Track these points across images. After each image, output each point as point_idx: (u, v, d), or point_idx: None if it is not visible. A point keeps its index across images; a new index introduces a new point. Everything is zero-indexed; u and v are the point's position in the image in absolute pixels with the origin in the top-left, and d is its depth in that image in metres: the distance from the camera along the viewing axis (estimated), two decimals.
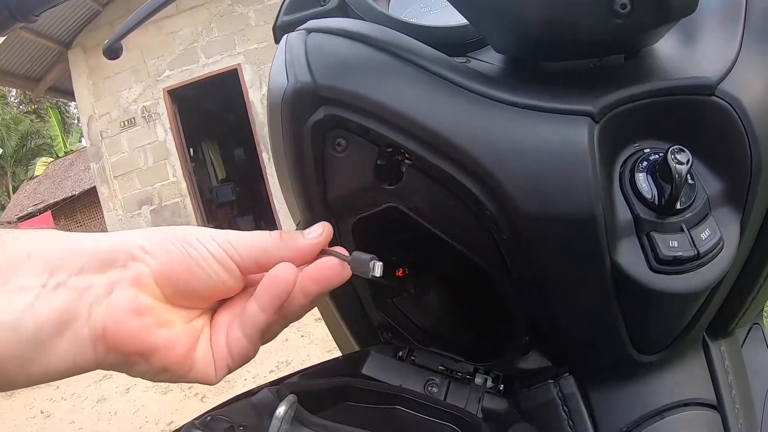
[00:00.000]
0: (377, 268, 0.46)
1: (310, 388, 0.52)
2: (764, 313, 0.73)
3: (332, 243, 0.51)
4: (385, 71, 0.48)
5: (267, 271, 0.44)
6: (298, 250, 0.46)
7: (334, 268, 0.46)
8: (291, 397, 0.41)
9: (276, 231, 0.46)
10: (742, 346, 0.66)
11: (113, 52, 0.76)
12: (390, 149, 0.50)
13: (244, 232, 0.45)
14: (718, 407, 0.57)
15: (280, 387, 0.50)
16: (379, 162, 0.51)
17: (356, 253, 0.47)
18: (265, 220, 11.55)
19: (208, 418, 0.44)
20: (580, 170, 0.44)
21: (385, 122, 0.47)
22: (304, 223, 0.55)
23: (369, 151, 0.51)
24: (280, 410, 0.39)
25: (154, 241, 0.42)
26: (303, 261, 0.46)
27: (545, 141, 0.44)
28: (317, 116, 0.49)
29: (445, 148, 0.46)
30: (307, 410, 0.44)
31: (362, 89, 0.47)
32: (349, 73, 0.48)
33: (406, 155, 0.50)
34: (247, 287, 0.48)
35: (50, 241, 0.40)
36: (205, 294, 0.45)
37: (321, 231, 0.47)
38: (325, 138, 0.50)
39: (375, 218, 0.54)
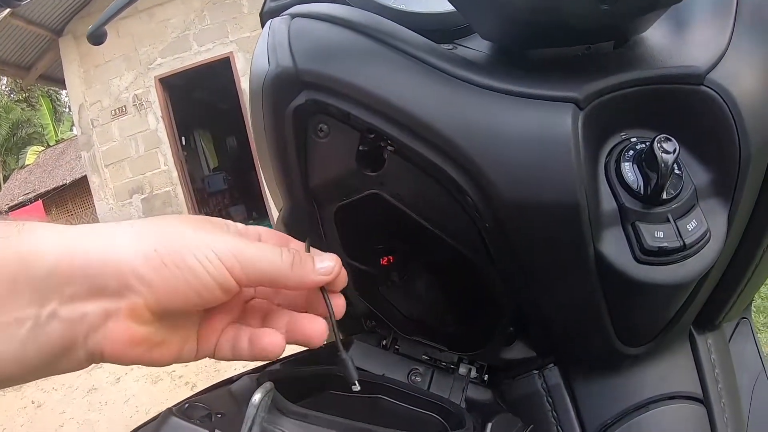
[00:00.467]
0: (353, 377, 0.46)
1: (291, 376, 0.52)
2: (752, 308, 0.73)
3: (313, 230, 0.50)
4: (368, 56, 0.48)
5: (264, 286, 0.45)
6: (304, 284, 0.44)
7: (319, 333, 0.46)
8: (267, 385, 0.40)
9: (288, 251, 0.43)
10: (729, 340, 0.66)
11: (97, 37, 0.75)
12: (372, 135, 0.49)
13: (255, 246, 0.42)
14: (704, 401, 0.56)
15: (260, 375, 0.49)
16: (361, 148, 0.51)
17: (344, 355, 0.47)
18: (257, 209, 11.55)
19: (186, 405, 0.43)
20: (562, 157, 0.43)
21: (366, 107, 0.47)
22: (287, 210, 0.55)
23: (351, 137, 0.50)
24: (256, 397, 0.39)
25: (150, 265, 0.39)
26: (304, 289, 0.47)
27: (528, 127, 0.44)
28: (298, 101, 0.48)
29: (426, 133, 0.46)
30: (288, 398, 0.43)
31: (343, 74, 0.47)
32: (331, 57, 0.48)
33: (389, 141, 0.49)
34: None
35: (33, 259, 0.37)
36: (196, 310, 0.44)
37: (332, 267, 0.46)
38: (307, 123, 0.50)
39: (357, 205, 0.53)
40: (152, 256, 0.39)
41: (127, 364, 0.41)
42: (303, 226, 0.56)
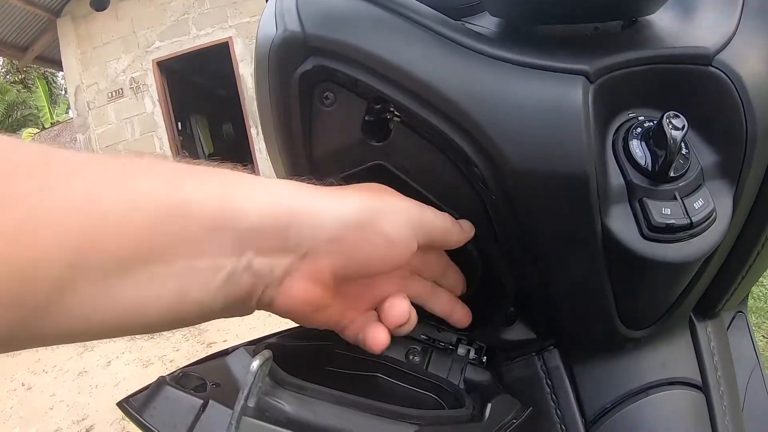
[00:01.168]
0: None
1: (288, 350, 0.51)
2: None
3: None
4: (378, 23, 0.47)
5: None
6: (464, 241, 0.49)
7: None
8: (266, 353, 0.39)
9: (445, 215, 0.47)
10: (726, 332, 0.65)
11: (101, 3, 0.75)
12: (379, 105, 0.49)
13: (431, 211, 0.46)
14: (702, 388, 0.56)
15: (257, 346, 0.48)
16: (367, 118, 0.50)
17: None
18: None
19: (180, 374, 0.42)
20: (572, 127, 0.43)
21: (375, 73, 0.46)
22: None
23: (357, 106, 0.50)
24: (254, 364, 0.38)
25: (349, 230, 0.40)
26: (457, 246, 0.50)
27: (539, 97, 0.44)
28: (305, 67, 0.48)
29: (435, 101, 0.45)
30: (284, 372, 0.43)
31: (353, 39, 0.46)
32: (341, 23, 0.47)
33: (395, 112, 0.49)
34: None
35: (240, 212, 0.37)
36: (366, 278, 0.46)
37: (471, 228, 0.50)
38: (313, 91, 0.49)
39: (361, 177, 0.53)
40: (352, 222, 0.40)
41: (287, 318, 0.43)
42: None
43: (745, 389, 0.63)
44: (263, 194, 0.39)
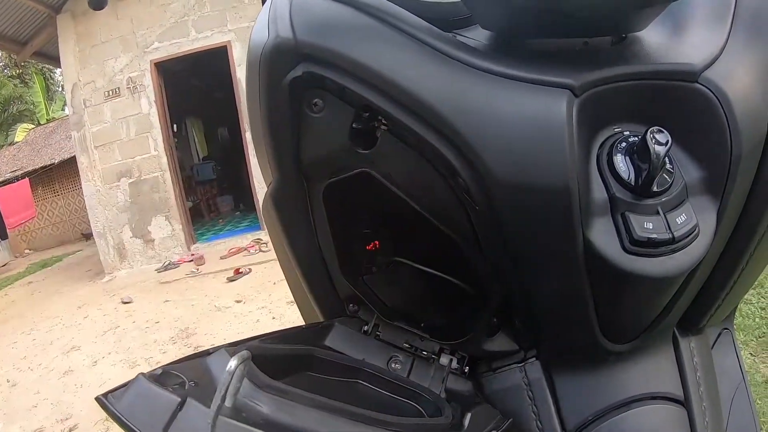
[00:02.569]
0: None
1: (269, 353, 0.51)
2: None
3: (301, 207, 0.50)
4: (368, 33, 0.48)
5: None
6: None
7: None
8: (245, 353, 0.39)
9: None
10: (712, 348, 0.65)
11: (99, 2, 0.75)
12: (366, 114, 0.49)
13: None
14: (684, 403, 0.56)
15: (237, 347, 0.48)
16: (354, 125, 0.51)
17: None
18: (245, 201, 11.56)
19: (160, 371, 0.42)
20: (556, 141, 0.43)
21: (363, 82, 0.47)
22: (275, 186, 0.54)
23: (345, 113, 0.50)
24: (232, 364, 0.38)
25: None
26: None
27: (523, 110, 0.44)
28: (295, 73, 0.48)
29: (422, 111, 0.46)
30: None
31: (343, 48, 0.47)
32: (332, 31, 0.48)
33: (383, 120, 0.49)
34: None
35: None
36: None
37: None
38: (302, 97, 0.50)
39: (347, 184, 0.53)
40: None
41: None
42: (291, 202, 0.56)
43: (729, 405, 0.64)
44: None
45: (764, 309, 3.71)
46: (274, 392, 0.41)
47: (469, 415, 0.51)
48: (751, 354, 3.21)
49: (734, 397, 0.65)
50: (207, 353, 0.48)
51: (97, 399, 0.40)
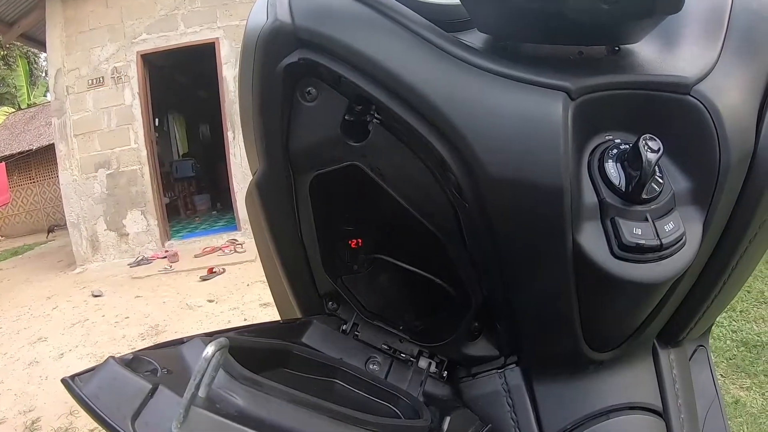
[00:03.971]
0: None
1: (245, 345, 0.50)
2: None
3: (287, 197, 0.49)
4: (367, 23, 0.47)
5: None
6: None
7: None
8: (222, 340, 0.38)
9: None
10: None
11: None
12: (360, 106, 0.49)
13: None
14: (663, 414, 0.57)
15: (213, 336, 0.47)
16: (346, 117, 0.50)
17: None
18: (222, 200, 11.56)
19: (131, 356, 0.41)
20: (551, 140, 0.44)
21: (359, 71, 0.47)
22: (261, 174, 0.54)
23: (338, 104, 0.50)
24: (209, 350, 0.36)
25: None
26: None
27: (520, 109, 0.44)
28: (291, 59, 0.48)
29: (417, 103, 0.46)
30: None
31: (341, 35, 0.46)
32: (331, 19, 0.47)
33: (375, 113, 0.49)
34: None
35: None
36: None
37: None
38: (296, 84, 0.50)
39: (335, 176, 0.53)
40: None
41: None
42: (276, 192, 0.55)
43: (703, 423, 0.64)
44: None
45: (735, 332, 3.79)
46: (250, 384, 0.40)
47: (448, 419, 0.51)
48: (722, 375, 3.28)
49: (708, 414, 0.66)
50: (181, 341, 0.46)
51: (64, 381, 0.38)
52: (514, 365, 0.58)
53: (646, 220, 0.46)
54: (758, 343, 3.61)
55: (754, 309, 4.10)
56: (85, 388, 0.37)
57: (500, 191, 0.45)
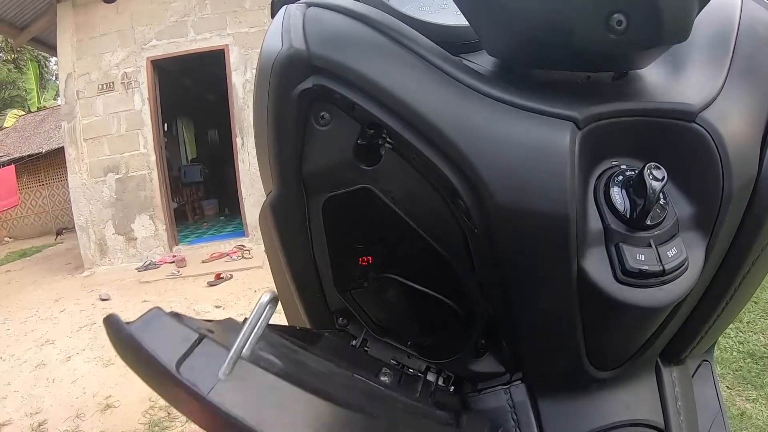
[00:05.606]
0: None
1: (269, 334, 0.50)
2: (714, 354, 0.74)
3: (299, 218, 0.51)
4: (379, 50, 0.48)
5: None
6: None
7: None
8: (274, 292, 0.38)
9: None
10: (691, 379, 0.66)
11: None
12: (372, 131, 0.50)
13: None
14: (664, 430, 0.57)
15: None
16: (359, 141, 0.51)
17: None
18: (230, 206, 11.55)
19: (174, 312, 0.40)
20: (558, 169, 0.44)
21: (372, 99, 0.47)
22: (275, 195, 0.55)
23: (351, 129, 0.51)
24: (265, 298, 0.36)
25: None
26: None
27: (528, 138, 0.45)
28: (306, 85, 0.49)
29: (428, 131, 0.46)
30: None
31: (354, 63, 0.47)
32: (344, 46, 0.48)
33: (387, 138, 0.50)
34: None
35: None
36: None
37: None
38: (310, 109, 0.51)
39: (347, 199, 0.54)
40: None
41: None
42: (290, 213, 0.56)
43: None
44: None
45: (742, 343, 3.76)
46: (290, 350, 0.40)
47: (465, 417, 0.53)
48: (727, 387, 3.25)
49: (711, 429, 0.66)
50: (214, 320, 0.47)
51: (108, 320, 0.36)
52: (519, 382, 0.58)
53: (650, 246, 0.47)
54: (765, 355, 3.59)
55: (761, 320, 4.07)
56: (131, 326, 0.35)
57: (508, 218, 0.46)
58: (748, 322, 4.03)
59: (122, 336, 0.35)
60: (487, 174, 0.45)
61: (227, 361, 0.34)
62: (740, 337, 3.85)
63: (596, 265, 0.47)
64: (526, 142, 0.45)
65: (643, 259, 0.46)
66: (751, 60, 0.54)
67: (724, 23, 0.56)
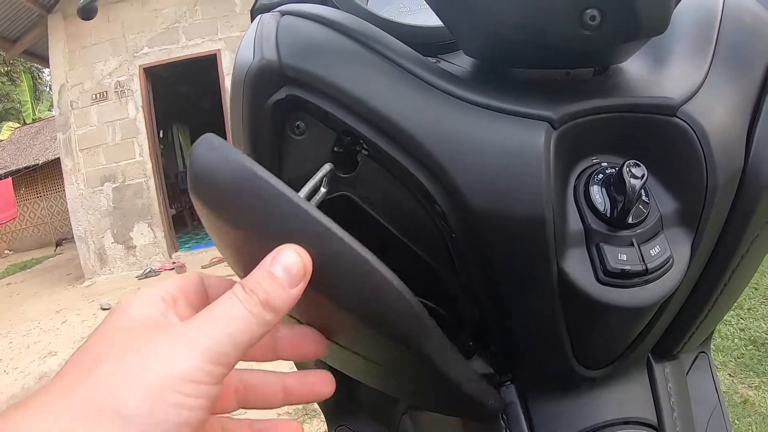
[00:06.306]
0: None
1: None
2: (712, 345, 0.73)
3: None
4: (351, 58, 0.48)
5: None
6: (281, 314, 0.35)
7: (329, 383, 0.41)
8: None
9: (248, 302, 0.34)
10: (688, 372, 0.66)
11: (88, 12, 0.75)
12: (348, 137, 0.50)
13: (225, 338, 0.32)
14: (658, 428, 0.57)
15: None
16: (335, 149, 0.51)
17: None
18: None
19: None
20: (533, 172, 0.44)
21: (344, 107, 0.47)
22: None
23: (327, 137, 0.51)
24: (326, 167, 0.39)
25: None
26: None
27: (501, 141, 0.45)
28: (279, 95, 0.49)
29: (400, 138, 0.46)
30: None
31: (326, 73, 0.47)
32: (316, 56, 0.48)
33: (364, 145, 0.50)
34: None
35: None
36: None
37: (300, 266, 0.35)
38: (285, 119, 0.51)
39: (326, 207, 0.53)
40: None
41: None
42: None
43: (705, 429, 0.64)
44: None
45: (743, 330, 3.75)
46: None
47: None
48: (729, 375, 3.24)
49: (710, 421, 0.66)
50: None
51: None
52: (508, 383, 0.58)
53: (632, 244, 0.46)
54: (766, 341, 3.58)
55: (762, 306, 4.06)
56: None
57: (484, 222, 0.46)
58: (748, 309, 4.02)
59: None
60: (461, 179, 0.45)
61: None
62: (741, 324, 3.84)
63: (577, 267, 0.47)
64: (501, 145, 0.45)
65: (625, 259, 0.46)
66: (735, 48, 0.53)
67: (708, 11, 0.56)
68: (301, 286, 0.35)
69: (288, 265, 0.35)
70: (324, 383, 0.41)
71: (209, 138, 0.39)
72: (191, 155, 0.39)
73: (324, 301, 0.38)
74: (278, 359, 0.41)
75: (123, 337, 0.33)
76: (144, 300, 0.35)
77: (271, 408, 0.40)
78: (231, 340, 0.32)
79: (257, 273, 0.35)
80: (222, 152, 0.37)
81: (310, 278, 0.36)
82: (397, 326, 0.39)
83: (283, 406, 0.40)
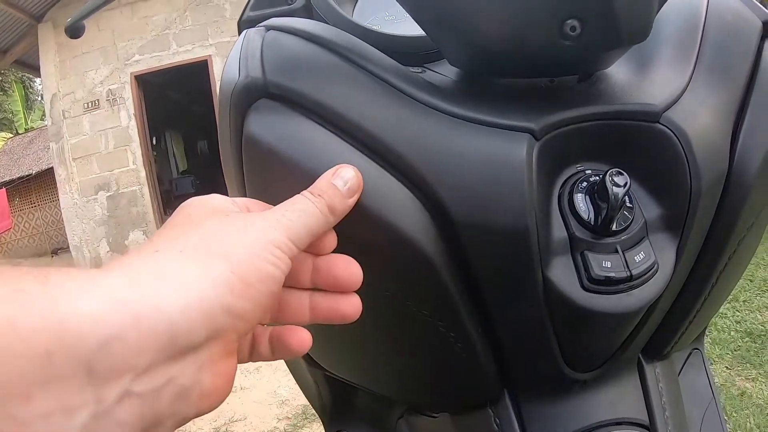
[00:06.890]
0: None
1: None
2: (707, 340, 0.74)
3: None
4: (335, 74, 0.48)
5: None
6: (342, 215, 0.43)
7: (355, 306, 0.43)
8: None
9: (317, 202, 0.41)
10: (681, 370, 0.67)
11: (75, 30, 0.75)
12: None
13: (290, 218, 0.39)
14: (650, 427, 0.57)
15: None
16: None
17: None
18: None
19: None
20: (515, 184, 0.44)
21: (328, 122, 0.47)
22: None
23: None
24: None
25: (237, 293, 0.33)
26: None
27: (483, 153, 0.45)
28: None
29: (384, 153, 0.46)
30: None
31: (308, 89, 0.47)
32: (299, 72, 0.48)
33: None
34: None
35: (79, 333, 0.27)
36: None
37: (356, 182, 0.43)
38: None
39: None
40: (234, 282, 0.33)
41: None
42: None
43: (700, 426, 0.65)
44: (102, 299, 0.28)
45: (739, 323, 3.75)
46: None
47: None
48: (726, 368, 3.24)
49: (704, 417, 0.66)
50: None
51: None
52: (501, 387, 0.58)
53: (616, 251, 0.47)
54: (763, 333, 3.57)
55: (758, 298, 4.06)
56: None
57: (468, 234, 0.46)
58: (744, 301, 4.03)
59: None
60: (443, 192, 0.45)
61: None
62: (737, 316, 3.84)
63: (562, 275, 0.47)
64: (483, 157, 0.45)
65: (609, 266, 0.46)
66: (719, 51, 0.53)
67: (691, 14, 0.56)
68: (355, 198, 0.43)
69: (347, 178, 0.43)
70: (351, 305, 0.43)
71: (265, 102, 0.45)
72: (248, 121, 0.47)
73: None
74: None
75: (214, 212, 0.39)
76: (219, 198, 0.42)
77: (301, 323, 0.43)
78: (305, 226, 0.39)
79: (322, 183, 0.43)
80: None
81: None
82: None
83: (311, 323, 0.43)
